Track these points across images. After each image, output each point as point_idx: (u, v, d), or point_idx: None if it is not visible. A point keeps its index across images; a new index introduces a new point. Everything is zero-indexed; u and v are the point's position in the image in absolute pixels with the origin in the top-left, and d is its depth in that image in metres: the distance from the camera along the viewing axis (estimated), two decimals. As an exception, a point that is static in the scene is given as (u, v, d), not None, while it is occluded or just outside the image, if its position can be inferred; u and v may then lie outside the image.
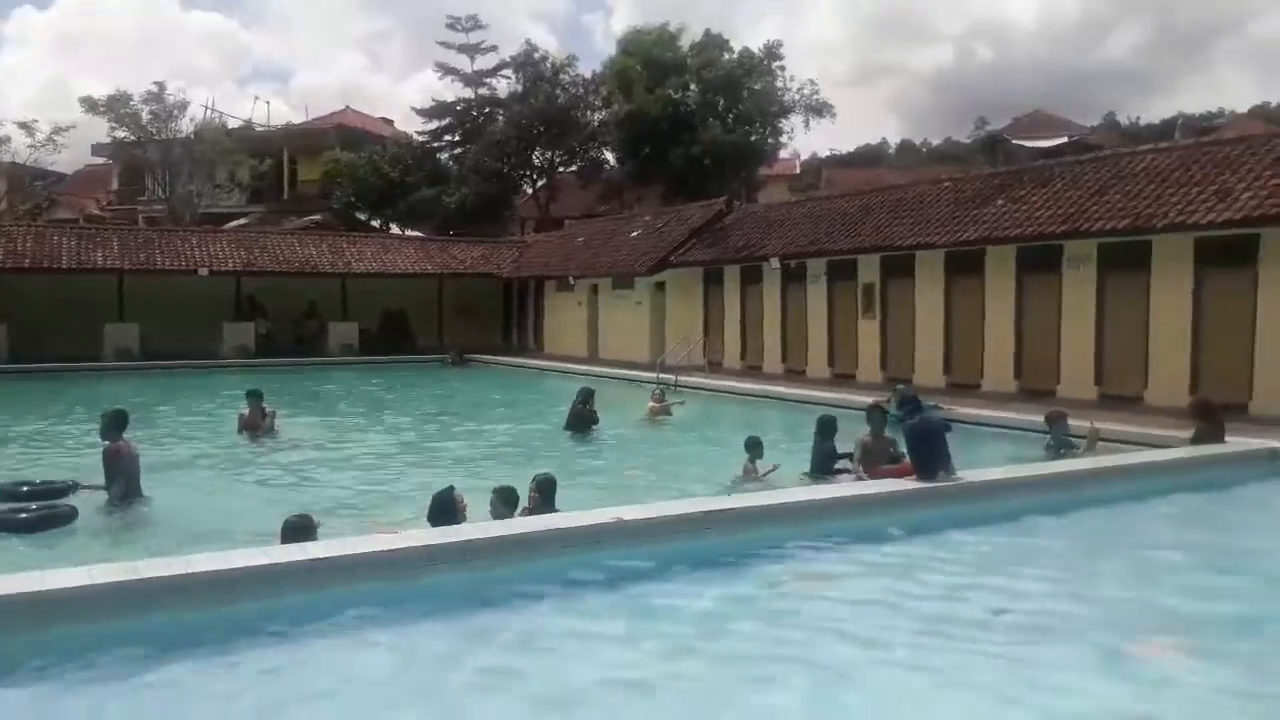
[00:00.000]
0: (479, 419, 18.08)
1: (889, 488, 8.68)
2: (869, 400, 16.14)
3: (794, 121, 42.53)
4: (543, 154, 45.17)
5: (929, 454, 8.80)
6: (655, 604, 6.24)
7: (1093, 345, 16.62)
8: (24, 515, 7.72)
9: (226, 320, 30.09)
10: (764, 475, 10.53)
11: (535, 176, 46.48)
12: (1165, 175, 15.86)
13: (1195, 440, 11.43)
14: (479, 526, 6.87)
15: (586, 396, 14.80)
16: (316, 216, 47.30)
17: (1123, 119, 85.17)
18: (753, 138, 40.42)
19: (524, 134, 43.07)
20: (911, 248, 19.30)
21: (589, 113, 44.50)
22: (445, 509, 7.41)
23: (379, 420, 18.08)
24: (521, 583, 6.27)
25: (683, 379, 21.64)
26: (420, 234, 41.58)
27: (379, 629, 5.59)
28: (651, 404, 16.38)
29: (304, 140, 51.49)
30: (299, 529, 6.76)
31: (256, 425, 14.11)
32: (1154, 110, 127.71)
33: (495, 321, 35.45)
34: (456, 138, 48.66)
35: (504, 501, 7.67)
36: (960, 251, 18.67)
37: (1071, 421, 12.30)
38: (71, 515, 8.05)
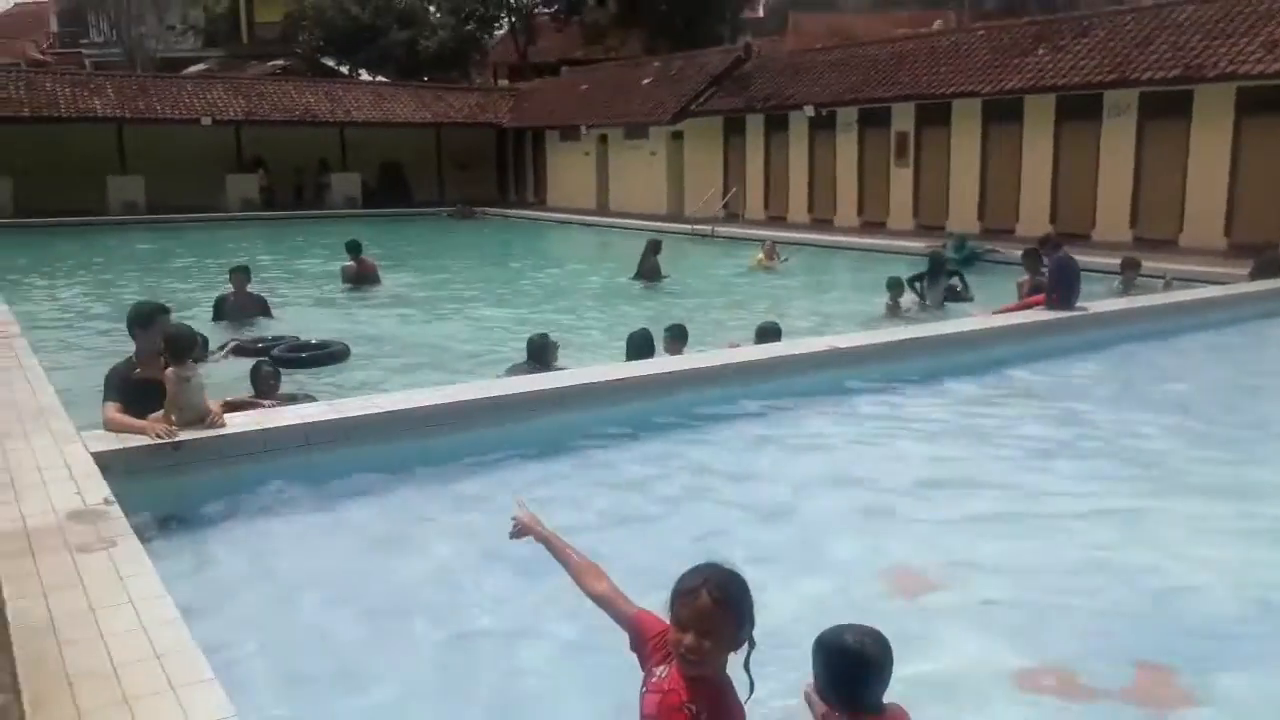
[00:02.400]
0: (540, 270, 18.58)
1: (1045, 316, 9.57)
2: (929, 246, 17.17)
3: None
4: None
5: (1071, 288, 9.74)
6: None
7: (1130, 191, 17.60)
8: (305, 354, 8.33)
9: (228, 172, 29.56)
10: (905, 310, 11.39)
11: (511, 19, 45.14)
12: (1210, 26, 16.54)
13: (1254, 277, 12.57)
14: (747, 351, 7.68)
15: (657, 247, 15.32)
16: (281, 61, 45.54)
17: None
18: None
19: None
20: (953, 96, 19.83)
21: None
22: (643, 346, 8.15)
23: (448, 271, 18.41)
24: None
25: (721, 229, 22.24)
26: (410, 83, 40.39)
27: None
28: (761, 256, 16.87)
29: (258, -22, 48.91)
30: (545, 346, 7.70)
31: (367, 276, 14.49)
32: None
33: (490, 174, 35.23)
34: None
35: (675, 338, 8.46)
36: (998, 100, 19.28)
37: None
38: (345, 353, 8.66)
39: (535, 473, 5.82)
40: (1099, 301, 10.50)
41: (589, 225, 27.02)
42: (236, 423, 5.57)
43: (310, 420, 5.69)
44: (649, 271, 14.96)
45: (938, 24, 54.36)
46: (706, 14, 40.26)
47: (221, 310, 11.28)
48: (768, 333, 8.50)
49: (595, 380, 6.72)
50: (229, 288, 11.59)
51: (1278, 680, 3.53)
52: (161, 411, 5.61)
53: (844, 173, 22.80)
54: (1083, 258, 11.05)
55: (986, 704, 3.41)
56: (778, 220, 24.12)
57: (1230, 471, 6.14)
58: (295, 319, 11.66)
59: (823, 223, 23.06)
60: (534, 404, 6.36)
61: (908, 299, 11.66)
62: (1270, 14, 15.96)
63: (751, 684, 2.20)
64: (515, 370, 8.77)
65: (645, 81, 28.78)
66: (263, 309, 11.57)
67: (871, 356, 8.02)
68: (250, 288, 11.76)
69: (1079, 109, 18.15)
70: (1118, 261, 13.15)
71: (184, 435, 5.36)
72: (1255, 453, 6.58)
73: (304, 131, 30.85)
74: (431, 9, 44.56)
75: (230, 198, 29.05)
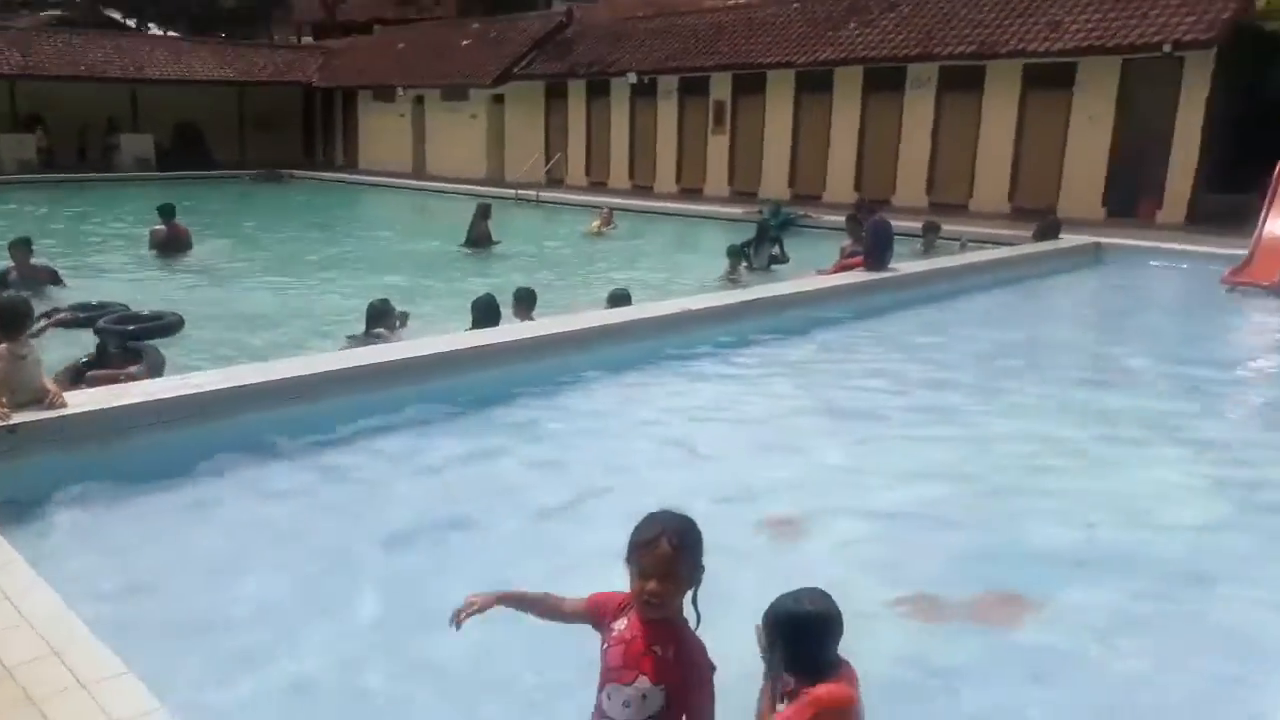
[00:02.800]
0: (362, 236, 18.06)
1: (866, 276, 10.25)
2: (747, 212, 17.91)
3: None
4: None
5: (886, 250, 10.47)
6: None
7: (928, 159, 18.88)
8: (134, 325, 7.78)
9: (1, 131, 26.92)
10: (738, 275, 11.86)
11: (316, -26, 43.02)
12: (1004, 5, 17.87)
13: (1036, 239, 13.87)
14: (583, 317, 7.82)
15: (486, 212, 15.22)
16: (56, 11, 41.81)
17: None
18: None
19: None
20: (769, 66, 20.55)
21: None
22: (489, 312, 8.19)
23: (262, 236, 17.60)
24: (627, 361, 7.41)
25: (543, 194, 22.25)
26: (211, 38, 37.82)
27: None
28: (597, 223, 17.04)
29: (27, -82, 44.39)
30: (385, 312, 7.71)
31: (178, 241, 13.64)
32: None
33: (296, 135, 33.68)
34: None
35: (523, 303, 8.57)
36: (810, 71, 20.17)
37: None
38: (179, 324, 8.14)
39: (400, 444, 5.79)
40: (907, 263, 11.34)
41: (405, 189, 26.40)
42: (79, 402, 5.25)
43: (160, 397, 5.43)
44: (479, 237, 14.82)
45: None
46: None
47: (4, 285, 10.41)
48: (619, 299, 8.70)
49: (458, 348, 6.71)
50: (8, 262, 10.73)
51: (1104, 595, 4.06)
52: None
53: (664, 140, 23.26)
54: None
55: (866, 631, 3.77)
56: (599, 186, 24.36)
57: (1040, 407, 6.89)
58: (101, 288, 10.89)
59: (643, 189, 23.47)
60: (396, 373, 6.30)
61: (741, 265, 12.18)
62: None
63: (699, 616, 2.39)
64: (356, 339, 8.62)
65: (464, 44, 28.23)
66: (52, 278, 10.76)
67: (720, 317, 8.39)
68: (36, 260, 10.90)
69: (884, 81, 19.26)
70: (920, 225, 14.17)
71: (19, 418, 5.02)
72: (1052, 390, 7.38)
73: (90, 88, 28.45)
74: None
75: (3, 159, 26.48)
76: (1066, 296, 12.20)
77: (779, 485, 5.33)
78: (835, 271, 11.17)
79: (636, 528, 2.37)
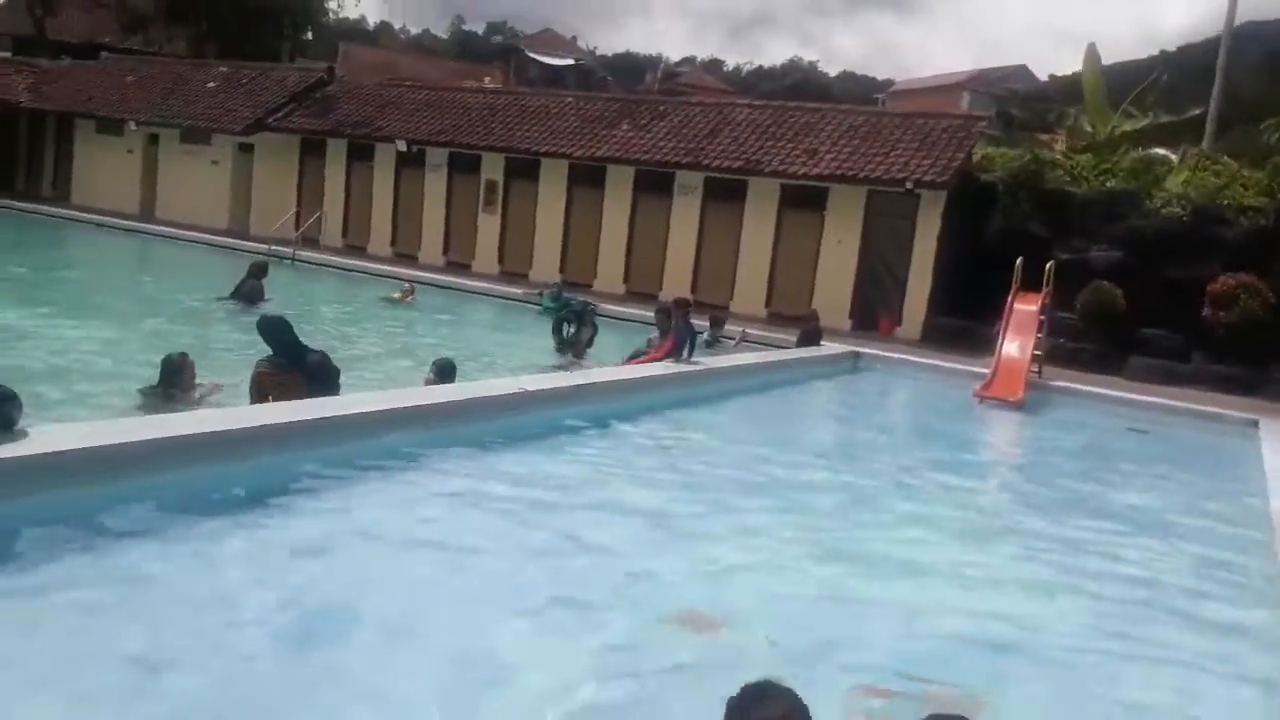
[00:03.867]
0: (103, 281, 16.21)
1: (683, 367, 10.51)
2: (527, 293, 17.97)
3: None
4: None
5: (693, 344, 10.89)
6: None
7: (693, 259, 19.91)
8: None
9: None
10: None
11: (28, -14, 38.75)
12: (764, 128, 19.48)
13: (800, 343, 14.96)
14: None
15: (263, 270, 14.33)
16: None
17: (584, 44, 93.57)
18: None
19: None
20: (546, 155, 20.93)
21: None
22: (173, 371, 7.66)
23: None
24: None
25: (309, 255, 21.08)
26: None
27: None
28: (399, 295, 16.81)
29: None
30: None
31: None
32: (608, 42, 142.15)
33: (-12, 159, 29.73)
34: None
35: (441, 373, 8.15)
36: (584, 165, 20.78)
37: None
38: None
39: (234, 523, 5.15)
40: (709, 357, 11.83)
41: (134, 231, 24.04)
42: None
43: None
44: (249, 293, 13.78)
45: (488, 80, 57.14)
46: (268, 28, 38.24)
47: None
48: (446, 370, 8.36)
49: (308, 417, 6.12)
50: None
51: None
52: None
53: (431, 212, 22.89)
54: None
55: None
56: (358, 250, 23.45)
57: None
58: None
59: (406, 257, 22.88)
60: (237, 444, 5.60)
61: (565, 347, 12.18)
62: (809, 125, 19.24)
63: None
64: (147, 394, 7.77)
65: (209, 85, 26.44)
66: None
67: (558, 399, 8.26)
68: None
69: (653, 183, 20.20)
70: (706, 320, 14.89)
71: None
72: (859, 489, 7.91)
73: None
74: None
75: None
76: (838, 400, 13.20)
77: (690, 575, 5.29)
78: (649, 360, 11.42)
79: (743, 705, 2.22)
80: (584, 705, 3.78)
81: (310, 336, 11.42)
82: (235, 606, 4.26)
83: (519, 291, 18.86)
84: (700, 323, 15.07)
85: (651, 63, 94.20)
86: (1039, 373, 14.40)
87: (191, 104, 25.96)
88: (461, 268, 22.11)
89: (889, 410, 13.01)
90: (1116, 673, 4.68)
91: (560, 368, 11.65)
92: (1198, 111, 22.39)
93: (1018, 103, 53.64)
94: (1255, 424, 12.59)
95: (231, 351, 9.98)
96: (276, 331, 7.08)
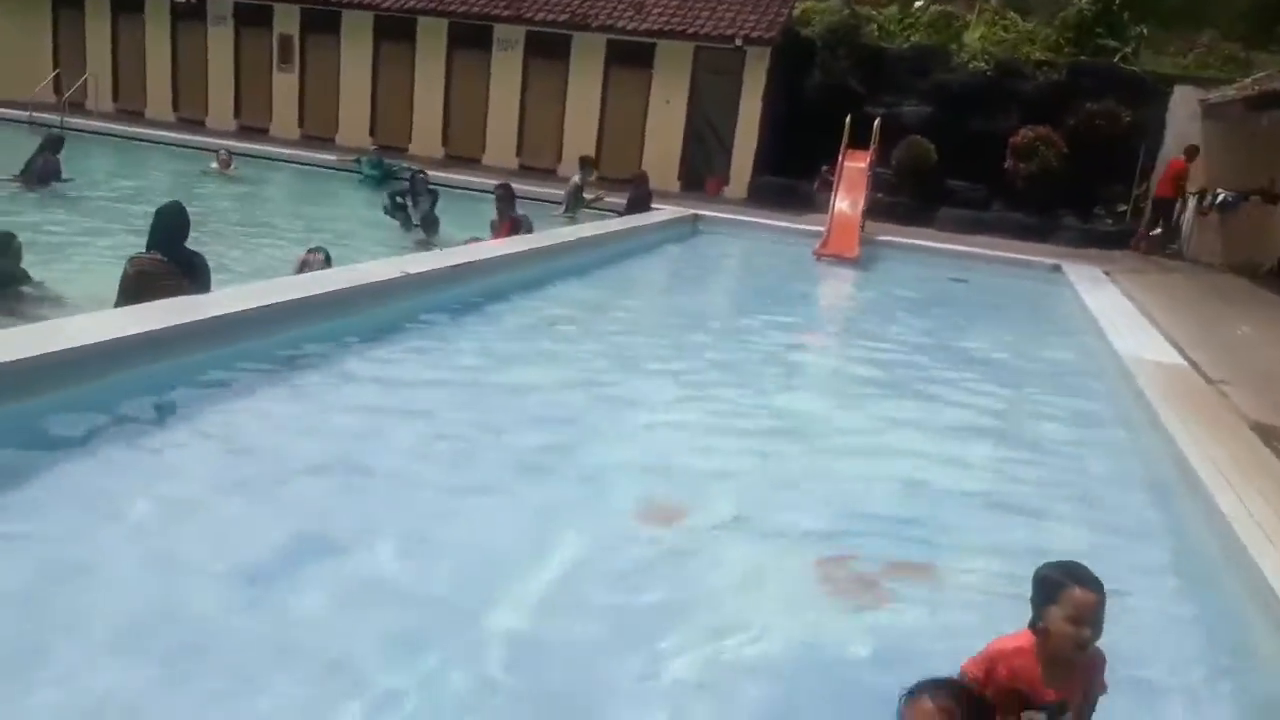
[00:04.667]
0: None
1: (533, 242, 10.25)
2: (342, 159, 16.90)
3: None
4: None
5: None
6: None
7: (517, 121, 19.19)
8: None
9: None
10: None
11: None
12: (589, -19, 18.64)
13: (629, 208, 14.83)
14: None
15: (58, 144, 12.56)
16: None
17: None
18: None
19: None
20: (348, 5, 19.26)
21: None
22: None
23: None
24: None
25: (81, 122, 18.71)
26: None
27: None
28: (216, 165, 15.39)
29: None
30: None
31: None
32: None
33: None
34: None
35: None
36: (392, 17, 19.30)
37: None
38: None
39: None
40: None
41: None
42: None
43: None
44: (44, 169, 12.11)
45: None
46: None
47: None
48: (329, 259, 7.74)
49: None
50: None
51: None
52: None
53: (218, 72, 20.78)
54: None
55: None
56: (134, 115, 21.12)
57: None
58: None
59: (191, 122, 20.82)
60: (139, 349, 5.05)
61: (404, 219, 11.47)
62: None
63: None
64: None
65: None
66: None
67: (442, 280, 7.90)
68: None
69: (470, 38, 19.08)
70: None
71: None
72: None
73: None
74: None
75: None
76: (695, 265, 13.29)
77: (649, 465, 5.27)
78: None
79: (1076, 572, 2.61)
80: (570, 620, 3.66)
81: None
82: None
83: (333, 158, 17.63)
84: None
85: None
86: (862, 228, 15.04)
87: (-96, -58, 21.97)
88: (257, 132, 20.36)
89: (739, 273, 13.26)
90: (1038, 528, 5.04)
91: (423, 245, 11.11)
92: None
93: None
94: (1059, 268, 13.77)
95: (51, 237, 8.88)
96: (174, 222, 6.23)
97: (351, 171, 16.89)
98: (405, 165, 17.01)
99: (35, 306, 7.01)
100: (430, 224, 11.94)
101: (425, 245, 11.36)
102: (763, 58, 17.57)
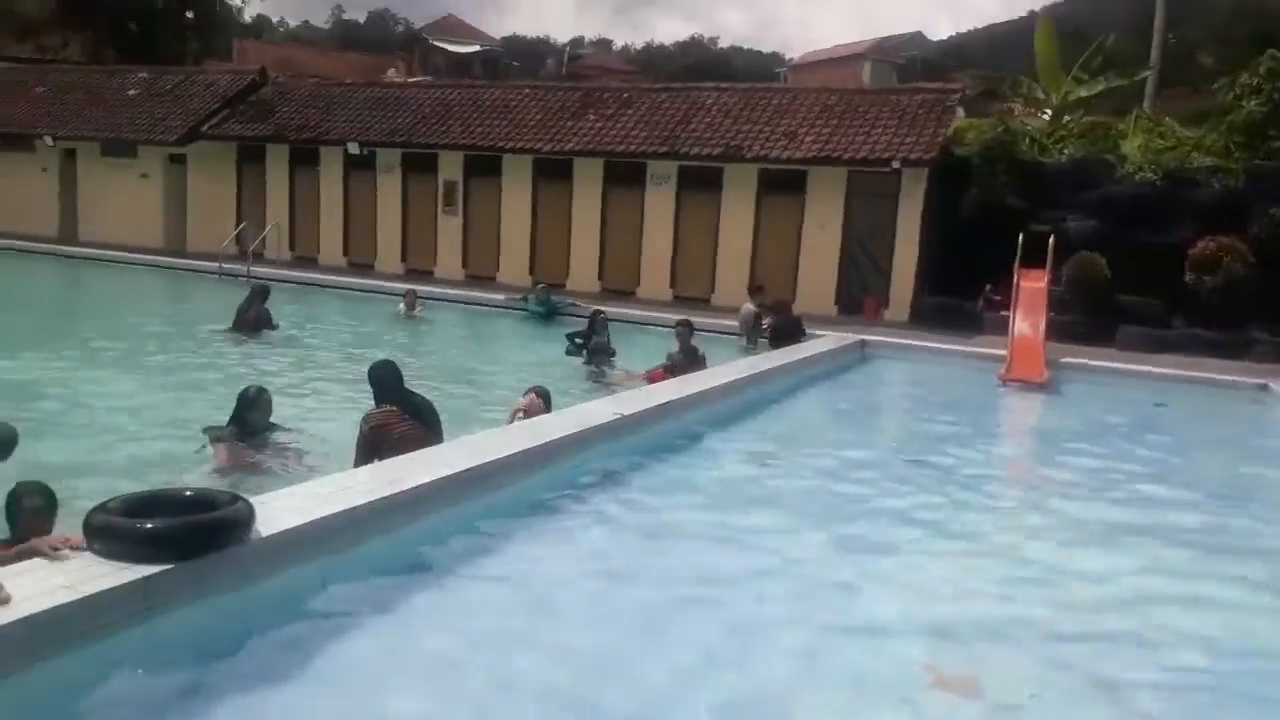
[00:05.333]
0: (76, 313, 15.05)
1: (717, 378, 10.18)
2: (509, 298, 17.44)
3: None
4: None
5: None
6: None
7: (670, 251, 19.52)
8: None
9: None
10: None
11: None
12: (736, 112, 19.12)
13: (776, 338, 14.52)
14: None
15: (265, 293, 13.41)
16: None
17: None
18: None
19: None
20: (511, 150, 20.19)
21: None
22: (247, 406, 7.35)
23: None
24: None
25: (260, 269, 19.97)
26: None
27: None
28: (403, 306, 16.20)
29: None
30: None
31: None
32: (493, 26, 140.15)
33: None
34: None
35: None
36: (549, 159, 20.13)
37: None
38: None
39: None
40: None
41: (60, 256, 22.54)
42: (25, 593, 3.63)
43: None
44: (256, 319, 12.87)
45: (392, 72, 55.65)
46: (168, 29, 36.39)
47: None
48: (546, 395, 7.82)
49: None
50: None
51: None
52: None
53: (386, 217, 21.95)
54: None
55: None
56: (308, 261, 22.38)
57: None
58: None
59: (361, 266, 21.94)
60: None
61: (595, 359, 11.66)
62: (783, 108, 18.97)
63: None
64: (215, 432, 7.24)
65: (130, 93, 24.82)
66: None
67: (653, 419, 7.92)
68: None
69: (624, 174, 19.69)
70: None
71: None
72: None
73: None
74: None
75: None
76: (873, 393, 13.00)
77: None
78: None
79: None
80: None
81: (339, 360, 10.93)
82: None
83: (500, 297, 18.20)
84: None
85: (543, 45, 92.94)
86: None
87: (112, 114, 24.34)
88: (422, 274, 21.26)
89: (925, 401, 12.80)
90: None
91: (596, 378, 11.23)
92: (1147, 73, 22.89)
93: (919, 70, 54.62)
94: (1266, 387, 12.88)
95: (273, 383, 9.26)
96: (391, 377, 6.55)
97: (519, 309, 17.36)
98: (570, 301, 17.47)
99: (279, 456, 7.26)
100: (607, 360, 12.08)
101: (598, 379, 11.48)
102: (920, 178, 17.49)
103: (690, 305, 18.19)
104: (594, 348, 12.03)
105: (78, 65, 30.45)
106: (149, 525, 4.10)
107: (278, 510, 4.75)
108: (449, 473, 5.66)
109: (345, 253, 22.46)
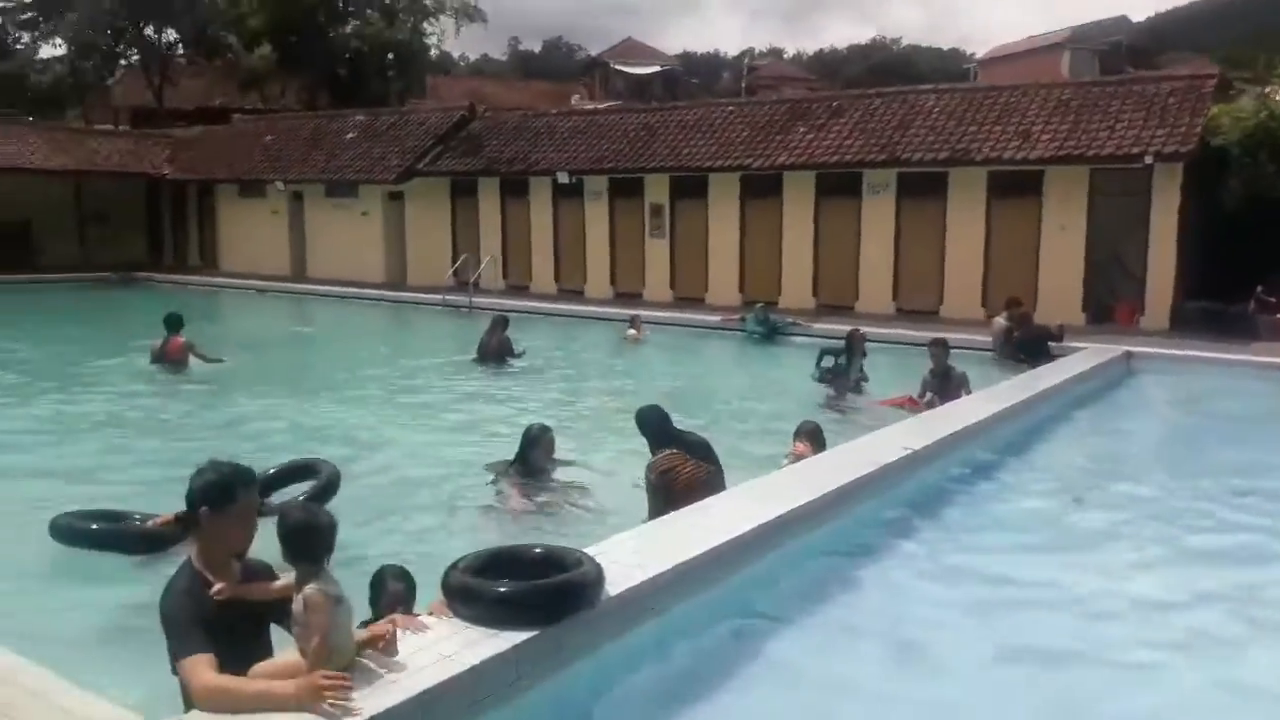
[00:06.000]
0: (345, 352, 15.84)
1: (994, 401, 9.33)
2: (725, 319, 17.07)
3: (445, 23, 41.15)
4: (157, 31, 38.58)
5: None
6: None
7: (891, 263, 18.62)
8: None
9: None
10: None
11: (145, 58, 39.44)
12: (960, 114, 18.06)
13: (1026, 350, 13.40)
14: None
15: (505, 323, 13.58)
16: None
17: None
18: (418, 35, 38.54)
19: (133, 4, 36.32)
20: (719, 169, 19.88)
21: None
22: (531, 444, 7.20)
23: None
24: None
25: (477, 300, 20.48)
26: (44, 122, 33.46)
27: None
28: (633, 331, 16.15)
29: None
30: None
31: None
32: (672, 42, 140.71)
33: (136, 232, 30.03)
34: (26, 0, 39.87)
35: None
36: (756, 176, 19.66)
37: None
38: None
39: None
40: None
41: (295, 294, 23.88)
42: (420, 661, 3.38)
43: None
44: (499, 349, 13.04)
45: (576, 98, 56.75)
46: (374, 71, 38.32)
47: None
48: (815, 435, 7.30)
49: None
50: None
51: None
52: (283, 659, 3.34)
53: (595, 243, 22.07)
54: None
55: None
56: (520, 290, 22.78)
57: None
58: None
59: (571, 293, 22.11)
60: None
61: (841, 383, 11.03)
62: (1012, 105, 17.75)
63: None
64: (499, 469, 7.11)
65: (349, 136, 26.14)
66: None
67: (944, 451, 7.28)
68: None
69: (837, 186, 18.97)
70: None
71: (367, 696, 3.14)
72: None
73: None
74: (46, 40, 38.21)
75: None
76: (1164, 414, 11.79)
77: None
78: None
79: None
80: None
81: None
82: None
83: (716, 318, 17.85)
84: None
85: (715, 60, 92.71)
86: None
87: (334, 157, 25.69)
88: (631, 297, 21.21)
89: (1230, 424, 11.26)
90: None
91: (834, 404, 10.60)
92: None
93: (1125, 55, 50.83)
94: None
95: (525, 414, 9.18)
96: (660, 420, 6.27)
97: (737, 329, 16.95)
98: (791, 320, 16.89)
99: (563, 495, 7.05)
100: (857, 385, 11.41)
101: (840, 405, 10.81)
102: (1174, 173, 15.93)
103: (916, 318, 17.29)
104: (837, 370, 11.39)
105: (299, 113, 32.42)
106: (520, 588, 3.84)
107: (611, 565, 4.42)
108: (767, 519, 5.26)
109: (556, 279, 22.72)
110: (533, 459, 7.08)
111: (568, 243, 22.52)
